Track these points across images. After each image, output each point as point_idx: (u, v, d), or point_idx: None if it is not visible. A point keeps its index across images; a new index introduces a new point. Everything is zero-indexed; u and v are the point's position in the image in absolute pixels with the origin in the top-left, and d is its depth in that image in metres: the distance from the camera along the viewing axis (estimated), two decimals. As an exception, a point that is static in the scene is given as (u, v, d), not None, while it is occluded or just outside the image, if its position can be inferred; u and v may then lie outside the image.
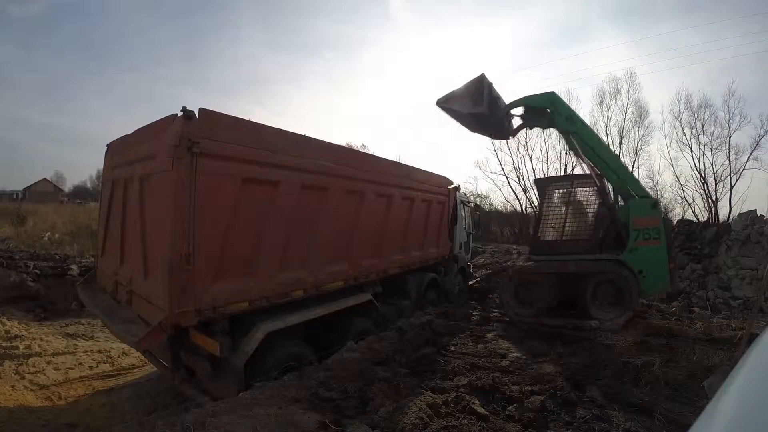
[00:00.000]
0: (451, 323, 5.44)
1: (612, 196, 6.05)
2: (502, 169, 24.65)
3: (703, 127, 20.07)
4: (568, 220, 6.17)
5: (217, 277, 3.29)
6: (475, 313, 6.60)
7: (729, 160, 19.27)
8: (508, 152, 24.40)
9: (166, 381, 4.43)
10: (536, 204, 23.93)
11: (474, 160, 48.40)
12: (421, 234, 6.59)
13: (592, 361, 4.04)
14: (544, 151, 24.15)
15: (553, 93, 6.09)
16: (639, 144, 22.31)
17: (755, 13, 38.01)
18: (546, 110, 6.05)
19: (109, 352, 5.87)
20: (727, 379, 0.87)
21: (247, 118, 3.54)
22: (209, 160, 3.12)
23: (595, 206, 6.04)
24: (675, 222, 12.10)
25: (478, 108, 5.36)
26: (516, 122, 6.29)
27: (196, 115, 3.06)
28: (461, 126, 6.11)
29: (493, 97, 5.58)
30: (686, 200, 20.45)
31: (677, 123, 20.96)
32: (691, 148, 20.36)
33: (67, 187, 63.02)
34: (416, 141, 56.60)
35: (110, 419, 4.07)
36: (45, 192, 48.86)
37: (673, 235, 9.63)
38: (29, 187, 51.55)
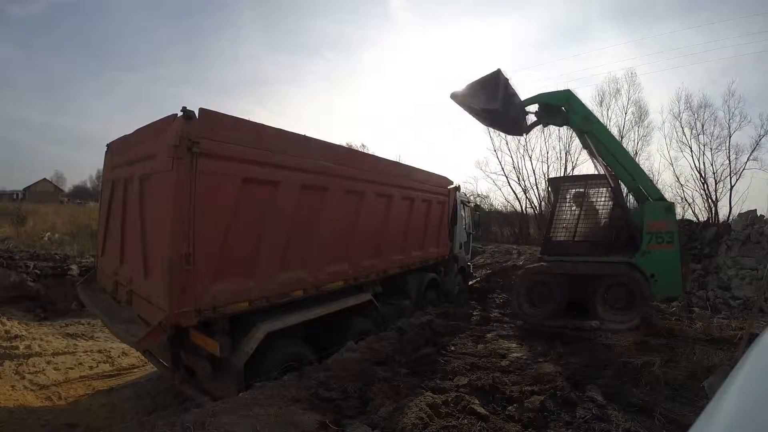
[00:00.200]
0: (451, 323, 5.44)
1: (625, 198, 5.99)
2: (502, 169, 24.69)
3: (703, 127, 20.10)
4: (580, 221, 6.11)
5: (217, 277, 3.29)
6: (475, 313, 6.61)
7: (729, 160, 19.31)
8: (508, 152, 24.46)
9: (166, 381, 4.43)
10: (536, 204, 24.01)
11: (474, 160, 48.47)
12: (421, 234, 6.59)
13: (592, 361, 4.04)
14: (544, 151, 24.20)
15: (568, 91, 5.99)
16: (639, 144, 22.32)
17: (756, 13, 38.06)
18: (561, 108, 5.97)
19: (109, 352, 5.87)
20: (727, 379, 0.87)
21: (247, 118, 3.54)
22: (209, 160, 3.12)
23: (609, 207, 5.97)
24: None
25: (493, 104, 5.32)
26: (531, 119, 6.21)
27: (196, 115, 3.06)
28: (475, 120, 6.09)
29: (509, 94, 5.51)
30: (686, 200, 20.46)
31: (677, 123, 20.99)
32: (691, 148, 20.39)
33: (67, 187, 63.09)
34: (416, 141, 56.69)
35: (110, 419, 4.07)
36: (45, 192, 48.88)
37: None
38: (29, 187, 51.56)
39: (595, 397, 3.14)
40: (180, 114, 3.05)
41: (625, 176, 5.87)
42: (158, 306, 3.18)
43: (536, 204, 24.32)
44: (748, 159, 19.02)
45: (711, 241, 9.95)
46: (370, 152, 17.92)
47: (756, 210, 10.43)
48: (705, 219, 17.50)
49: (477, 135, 54.63)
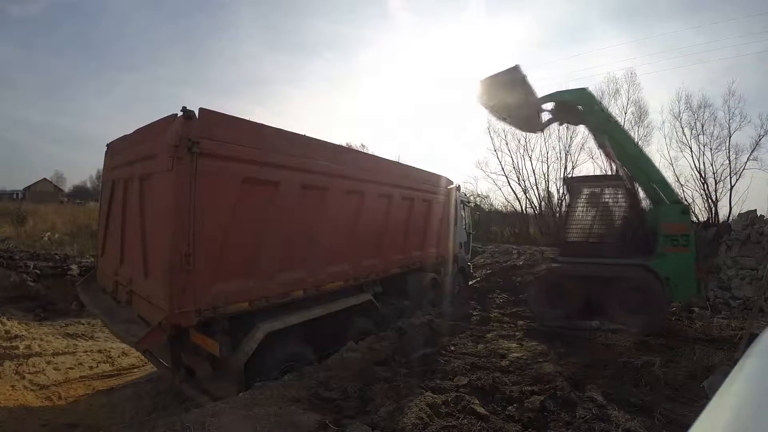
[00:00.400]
0: (451, 323, 5.44)
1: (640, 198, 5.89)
2: (502, 169, 24.64)
3: (702, 127, 20.07)
4: (595, 222, 6.06)
5: (217, 277, 3.29)
6: (475, 313, 6.61)
7: (729, 160, 19.28)
8: (508, 152, 24.39)
9: (166, 381, 4.43)
10: (536, 204, 24.03)
11: (474, 160, 48.44)
12: (421, 234, 6.59)
13: (592, 361, 4.05)
14: (544, 152, 24.16)
15: (585, 89, 5.95)
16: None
17: (757, 13, 37.98)
18: (578, 107, 5.94)
19: (109, 352, 5.87)
20: (727, 379, 0.86)
21: (247, 118, 3.55)
22: (209, 160, 3.12)
23: (624, 208, 5.91)
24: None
25: (509, 100, 5.32)
26: (546, 117, 6.20)
27: (196, 115, 3.06)
28: (490, 115, 6.08)
29: (526, 91, 5.51)
30: (686, 200, 20.43)
31: (677, 123, 20.94)
32: (691, 148, 20.36)
33: (67, 187, 63.00)
34: (416, 141, 56.58)
35: (110, 419, 4.08)
36: (45, 192, 48.86)
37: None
38: (29, 187, 51.55)
39: (595, 397, 3.14)
40: (180, 114, 3.05)
41: (641, 177, 5.79)
42: (158, 306, 3.18)
43: (536, 204, 24.32)
44: (748, 159, 19.02)
45: (711, 241, 9.95)
46: (370, 152, 17.92)
47: (756, 210, 10.43)
48: (705, 219, 17.49)
49: (477, 135, 54.58)
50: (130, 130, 4.15)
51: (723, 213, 19.11)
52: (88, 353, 5.80)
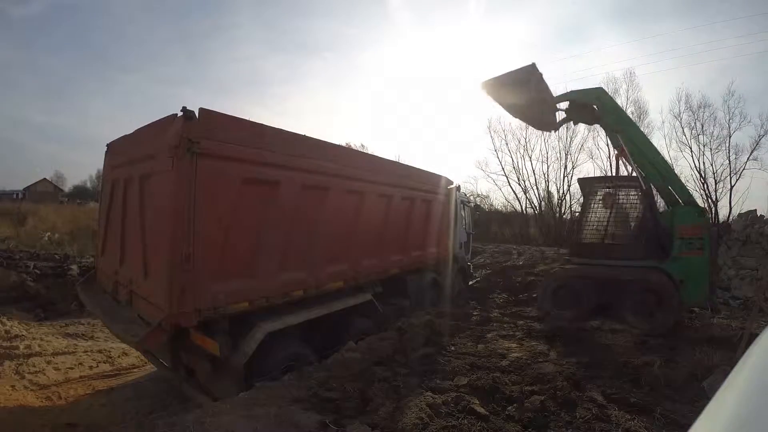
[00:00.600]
0: (451, 323, 5.44)
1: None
2: (503, 169, 24.75)
3: (702, 128, 20.14)
4: (609, 224, 6.01)
5: (217, 277, 3.29)
6: (475, 313, 6.60)
7: (729, 160, 19.37)
8: (508, 152, 24.51)
9: (166, 381, 4.43)
10: (536, 204, 24.02)
11: (474, 160, 48.46)
12: (421, 234, 6.59)
13: (592, 361, 4.04)
14: (544, 152, 24.22)
15: (600, 89, 5.94)
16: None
17: (757, 13, 38.00)
18: (593, 107, 5.91)
19: (109, 352, 5.87)
20: (727, 379, 0.86)
21: (247, 118, 3.55)
22: (209, 160, 3.12)
23: (639, 210, 5.87)
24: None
25: (525, 99, 5.29)
26: (560, 116, 6.18)
27: (196, 115, 3.06)
28: (505, 112, 6.07)
29: (541, 89, 5.49)
30: (686, 200, 20.44)
31: (677, 123, 21.04)
32: (690, 149, 20.43)
33: (67, 187, 62.82)
34: (416, 141, 56.55)
35: (110, 419, 4.07)
36: (45, 192, 48.82)
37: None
38: (29, 187, 51.50)
39: (595, 397, 3.14)
40: (180, 114, 3.05)
41: (657, 178, 5.75)
42: (158, 306, 3.18)
43: (536, 204, 24.35)
44: (748, 159, 19.11)
45: (711, 241, 9.93)
46: (370, 152, 17.92)
47: (756, 210, 10.45)
48: (705, 219, 17.48)
49: (477, 135, 54.60)
50: (130, 130, 4.15)
51: (723, 213, 19.17)
52: (88, 353, 5.80)
